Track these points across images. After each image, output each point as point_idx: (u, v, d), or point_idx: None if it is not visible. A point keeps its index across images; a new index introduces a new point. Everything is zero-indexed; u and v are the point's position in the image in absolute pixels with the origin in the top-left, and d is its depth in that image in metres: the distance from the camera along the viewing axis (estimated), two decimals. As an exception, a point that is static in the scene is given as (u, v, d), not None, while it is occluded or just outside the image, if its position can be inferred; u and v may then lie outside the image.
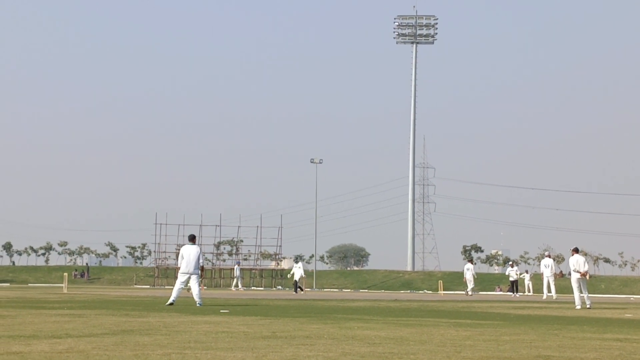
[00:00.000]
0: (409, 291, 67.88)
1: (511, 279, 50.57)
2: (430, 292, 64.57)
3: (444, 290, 56.52)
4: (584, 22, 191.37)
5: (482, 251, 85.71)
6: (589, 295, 25.35)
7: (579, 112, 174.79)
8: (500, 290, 64.33)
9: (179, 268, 20.99)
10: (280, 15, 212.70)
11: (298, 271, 45.65)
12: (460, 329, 12.29)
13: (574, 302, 25.42)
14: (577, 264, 24.58)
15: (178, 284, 20.77)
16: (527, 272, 59.45)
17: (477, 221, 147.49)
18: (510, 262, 59.85)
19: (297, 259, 55.31)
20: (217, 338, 9.82)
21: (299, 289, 45.85)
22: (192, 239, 21.15)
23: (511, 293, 50.60)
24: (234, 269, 58.26)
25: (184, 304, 20.90)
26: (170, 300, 20.27)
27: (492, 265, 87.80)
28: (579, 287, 24.63)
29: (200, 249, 21.33)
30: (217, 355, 7.73)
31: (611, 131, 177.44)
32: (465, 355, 8.24)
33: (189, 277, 20.56)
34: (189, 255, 20.61)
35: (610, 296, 57.25)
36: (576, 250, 25.13)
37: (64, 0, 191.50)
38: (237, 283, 56.08)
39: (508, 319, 16.13)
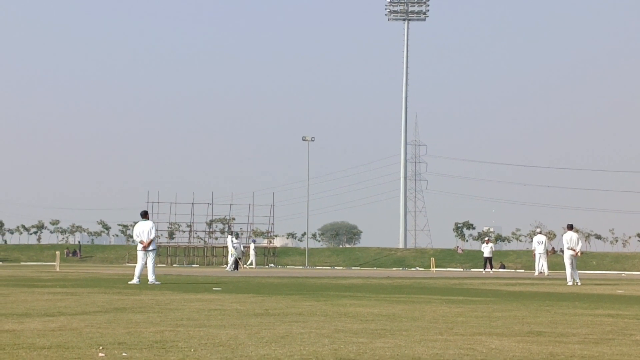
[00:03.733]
0: (401, 268, 68.11)
1: (486, 255, 49.25)
2: (422, 269, 64.82)
3: (436, 267, 56.76)
4: (575, 5, 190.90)
5: (473, 228, 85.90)
6: (578, 272, 25.48)
7: (571, 90, 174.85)
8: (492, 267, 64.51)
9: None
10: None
11: (238, 247, 43.19)
12: (452, 306, 12.34)
13: (565, 279, 25.54)
14: (570, 240, 24.69)
15: (139, 262, 20.93)
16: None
17: (469, 198, 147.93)
18: (486, 239, 59.37)
19: (236, 234, 51.93)
20: (210, 315, 9.83)
21: (239, 266, 43.38)
22: (144, 215, 21.36)
23: (482, 270, 50.11)
24: (249, 247, 55.27)
25: (175, 282, 20.92)
26: (135, 280, 20.30)
27: (483, 242, 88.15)
28: (572, 263, 24.77)
29: (153, 224, 21.44)
30: (210, 333, 7.74)
31: (602, 109, 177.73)
32: (458, 331, 8.27)
33: (145, 253, 20.81)
34: (141, 232, 20.94)
35: (602, 272, 57.60)
36: (570, 227, 25.24)
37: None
38: (251, 261, 53.58)
39: (500, 296, 16.20)
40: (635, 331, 8.47)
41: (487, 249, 49.26)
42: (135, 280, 20.20)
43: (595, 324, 9.34)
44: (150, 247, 20.81)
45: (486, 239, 59.91)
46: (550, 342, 7.37)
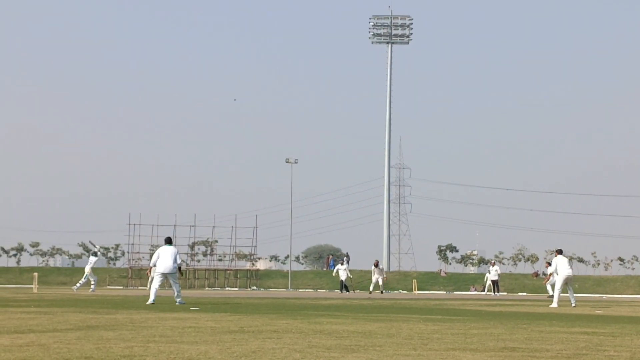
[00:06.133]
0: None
1: (492, 278, 50.73)
2: (405, 291, 64.67)
3: (419, 290, 56.70)
4: (559, 24, 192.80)
5: (457, 251, 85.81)
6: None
7: (554, 112, 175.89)
8: (475, 290, 64.62)
9: (150, 269, 20.85)
10: (253, 16, 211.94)
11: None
12: (429, 324, 12.28)
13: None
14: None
15: (155, 284, 20.44)
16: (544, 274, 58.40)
17: (452, 222, 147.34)
18: (492, 262, 59.89)
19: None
20: (183, 333, 9.72)
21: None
22: (169, 241, 21.05)
23: (490, 293, 50.80)
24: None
25: (157, 302, 20.66)
26: (150, 301, 19.91)
27: (466, 265, 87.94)
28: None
29: (177, 249, 21.05)
30: (180, 348, 7.64)
31: (587, 130, 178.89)
32: (432, 347, 8.21)
33: (165, 277, 20.39)
34: (164, 254, 20.45)
35: (583, 295, 57.70)
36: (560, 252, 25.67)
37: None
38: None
39: (479, 315, 16.15)
40: (609, 347, 8.45)
41: (492, 272, 50.86)
42: (151, 301, 19.82)
43: (570, 340, 9.31)
44: (172, 271, 20.33)
45: (492, 262, 60.47)
46: (524, 357, 7.33)
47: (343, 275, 47.91)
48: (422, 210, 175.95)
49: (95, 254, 41.60)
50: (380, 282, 47.84)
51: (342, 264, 49.74)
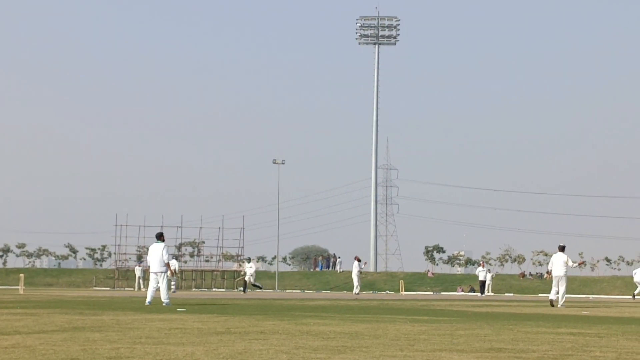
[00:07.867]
0: (371, 292, 68.02)
1: (480, 279, 50.84)
2: (392, 292, 64.77)
3: (406, 290, 56.75)
4: (548, 24, 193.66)
5: (444, 252, 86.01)
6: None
7: (542, 114, 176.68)
8: (462, 291, 64.78)
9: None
10: (240, 18, 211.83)
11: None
12: (416, 325, 12.30)
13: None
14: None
15: (151, 285, 20.44)
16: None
17: (439, 222, 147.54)
18: (481, 262, 60.12)
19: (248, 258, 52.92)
20: (170, 334, 9.69)
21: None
22: (158, 236, 20.89)
23: (478, 293, 50.91)
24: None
25: (142, 303, 20.64)
26: (147, 302, 19.89)
27: (453, 266, 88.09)
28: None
29: (165, 245, 20.74)
30: (167, 350, 7.62)
31: (573, 133, 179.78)
32: (418, 348, 8.23)
33: (156, 275, 20.23)
34: (152, 253, 20.45)
35: (570, 296, 57.95)
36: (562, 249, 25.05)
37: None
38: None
39: (465, 316, 16.19)
40: (595, 348, 8.49)
41: (482, 273, 50.86)
42: (147, 302, 19.83)
43: (557, 341, 9.35)
44: (161, 270, 20.22)
45: (481, 262, 60.51)
46: (510, 358, 7.36)
47: (248, 274, 45.07)
48: (409, 211, 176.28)
49: (176, 257, 47.30)
50: (356, 282, 45.15)
51: (248, 261, 47.69)
